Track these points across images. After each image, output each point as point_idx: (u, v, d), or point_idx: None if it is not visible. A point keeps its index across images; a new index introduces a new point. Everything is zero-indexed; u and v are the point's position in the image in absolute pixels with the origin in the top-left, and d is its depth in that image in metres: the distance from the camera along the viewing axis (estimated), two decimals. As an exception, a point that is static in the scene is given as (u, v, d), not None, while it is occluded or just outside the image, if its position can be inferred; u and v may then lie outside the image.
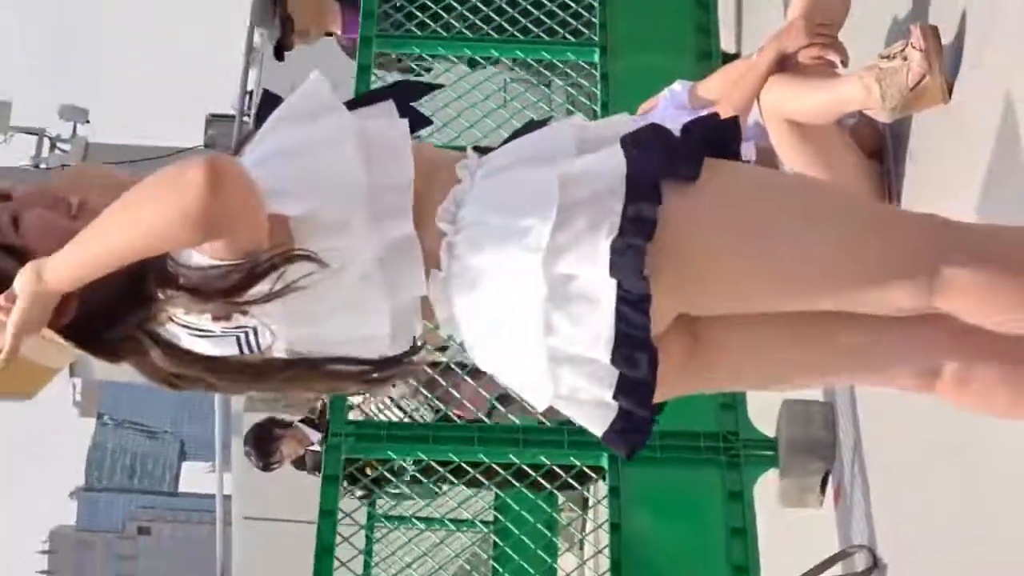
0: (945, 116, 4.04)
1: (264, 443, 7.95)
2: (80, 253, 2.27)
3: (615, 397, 2.38)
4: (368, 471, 5.26)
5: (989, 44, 3.78)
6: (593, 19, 6.10)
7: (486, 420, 5.52)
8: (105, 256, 2.26)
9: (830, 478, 5.16)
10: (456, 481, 5.12)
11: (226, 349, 2.39)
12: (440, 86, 2.86)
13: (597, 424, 2.46)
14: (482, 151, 2.54)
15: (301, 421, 8.01)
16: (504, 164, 2.46)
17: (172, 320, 2.37)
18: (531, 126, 2.60)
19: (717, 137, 2.50)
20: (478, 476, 5.07)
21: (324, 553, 4.84)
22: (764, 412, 5.22)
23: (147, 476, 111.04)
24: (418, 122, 2.58)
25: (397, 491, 6.64)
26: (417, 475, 5.34)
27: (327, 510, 4.91)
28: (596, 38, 6.09)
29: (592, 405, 2.44)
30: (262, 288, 2.30)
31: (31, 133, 18.31)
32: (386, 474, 5.31)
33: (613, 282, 2.31)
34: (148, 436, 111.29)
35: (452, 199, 2.41)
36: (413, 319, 2.47)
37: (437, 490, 6.15)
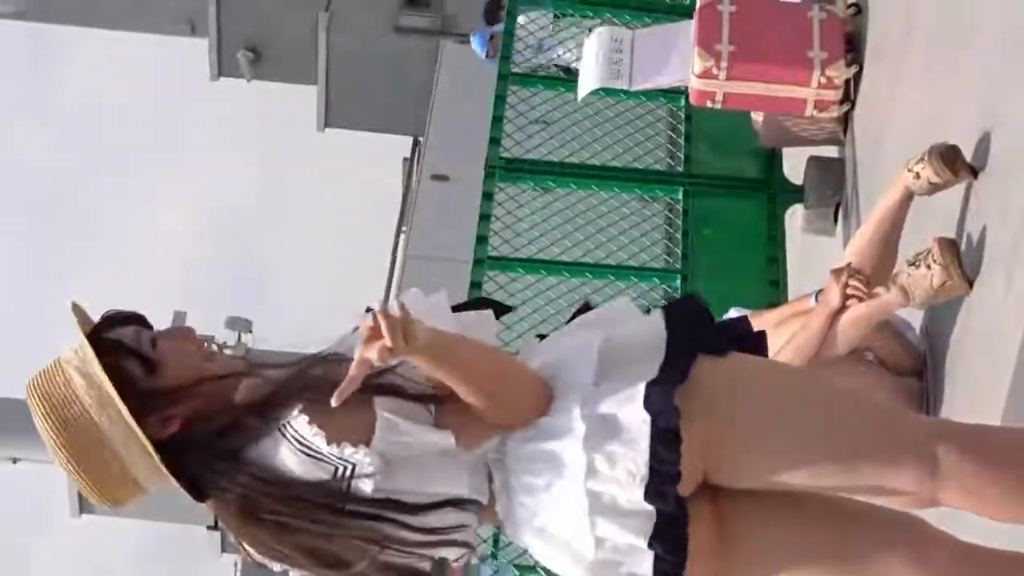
0: (977, 341, 4.04)
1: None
2: (454, 341, 2.36)
3: (650, 544, 2.34)
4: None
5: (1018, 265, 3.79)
6: (676, 248, 6.20)
7: None
8: (462, 358, 2.35)
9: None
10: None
11: (320, 474, 2.34)
12: (512, 308, 2.97)
13: None
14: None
15: None
16: (565, 330, 2.60)
17: (288, 429, 2.34)
18: (585, 308, 2.67)
19: (749, 339, 2.56)
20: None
21: None
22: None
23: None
24: (502, 310, 2.72)
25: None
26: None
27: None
28: (679, 267, 6.18)
29: None
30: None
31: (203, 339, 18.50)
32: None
33: (648, 418, 2.32)
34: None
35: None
36: (483, 483, 2.44)
37: None
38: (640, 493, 2.32)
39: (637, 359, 2.41)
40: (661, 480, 2.32)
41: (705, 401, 2.39)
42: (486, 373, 2.37)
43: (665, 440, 2.32)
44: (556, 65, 7.86)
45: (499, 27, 7.78)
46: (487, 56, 11.42)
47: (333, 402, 2.26)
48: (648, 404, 2.33)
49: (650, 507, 2.33)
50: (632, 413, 2.34)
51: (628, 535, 2.35)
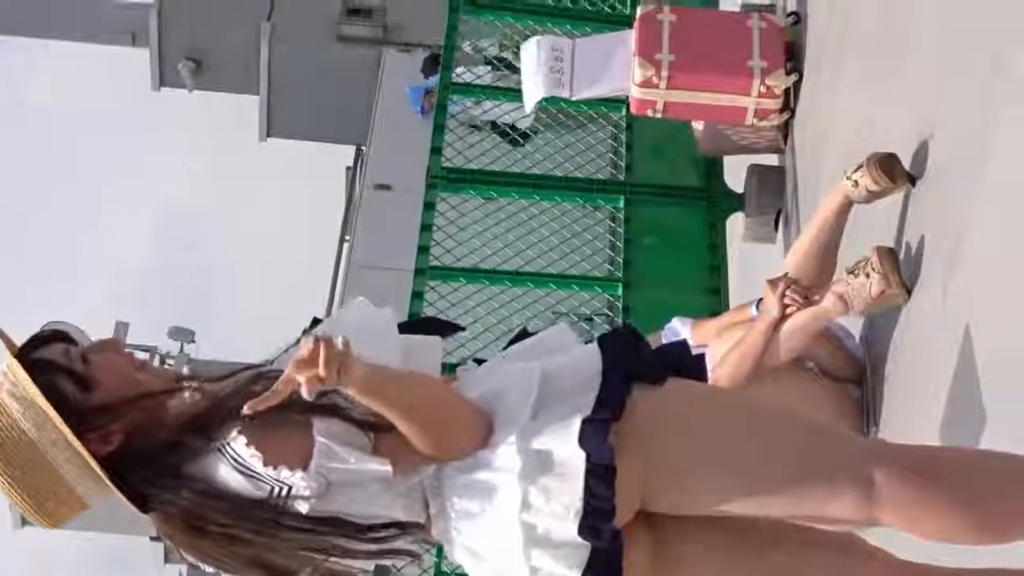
0: (915, 349, 4.06)
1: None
2: (390, 378, 2.29)
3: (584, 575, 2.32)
4: None
5: (955, 270, 3.80)
6: (618, 257, 6.20)
7: None
8: (398, 395, 2.29)
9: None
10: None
11: (258, 493, 2.33)
12: (462, 328, 2.95)
13: None
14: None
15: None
16: (504, 356, 2.57)
17: (227, 449, 2.32)
18: (524, 334, 2.65)
19: (686, 365, 2.53)
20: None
21: None
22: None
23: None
24: (451, 329, 2.72)
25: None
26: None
27: None
28: (621, 275, 6.18)
29: None
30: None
31: (145, 350, 18.48)
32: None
33: (583, 455, 2.30)
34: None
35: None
36: (420, 511, 2.42)
37: None
38: (574, 529, 2.31)
39: (574, 391, 2.38)
40: (596, 516, 2.30)
41: (641, 434, 2.36)
42: (423, 409, 2.33)
43: (600, 476, 2.30)
44: (495, 123, 7.79)
45: (433, 80, 7.76)
46: (422, 112, 11.35)
47: (245, 410, 2.24)
48: (583, 441, 2.30)
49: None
50: (567, 449, 2.31)
51: (562, 567, 2.34)
